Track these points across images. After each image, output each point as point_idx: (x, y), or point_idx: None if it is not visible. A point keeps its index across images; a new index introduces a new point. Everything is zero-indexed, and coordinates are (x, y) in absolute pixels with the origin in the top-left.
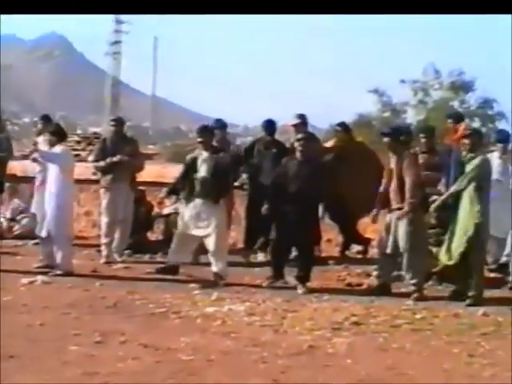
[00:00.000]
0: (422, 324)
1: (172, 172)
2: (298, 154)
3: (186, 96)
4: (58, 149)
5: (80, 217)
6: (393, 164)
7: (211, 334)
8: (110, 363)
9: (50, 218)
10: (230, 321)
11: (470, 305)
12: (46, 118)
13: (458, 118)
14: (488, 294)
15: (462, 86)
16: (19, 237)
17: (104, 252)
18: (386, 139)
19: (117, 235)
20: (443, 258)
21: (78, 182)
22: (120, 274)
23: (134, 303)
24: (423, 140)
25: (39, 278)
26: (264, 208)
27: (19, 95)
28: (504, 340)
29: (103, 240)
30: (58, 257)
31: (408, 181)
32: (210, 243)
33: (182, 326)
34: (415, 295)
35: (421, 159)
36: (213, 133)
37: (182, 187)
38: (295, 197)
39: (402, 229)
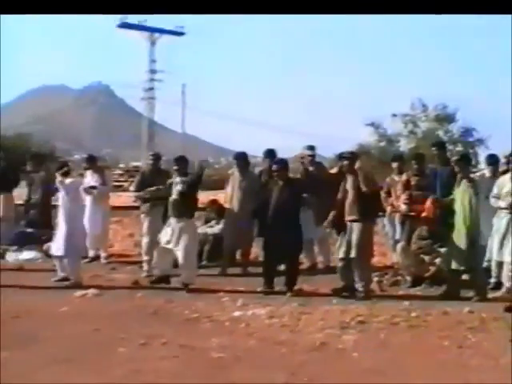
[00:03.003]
0: (417, 321)
1: (201, 198)
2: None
3: (212, 132)
4: (67, 181)
5: (124, 238)
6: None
7: (238, 334)
8: (152, 362)
9: (61, 239)
10: (254, 323)
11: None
12: (90, 157)
13: (441, 145)
14: (472, 294)
15: (445, 118)
16: None
17: (145, 267)
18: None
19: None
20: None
21: (122, 208)
22: (158, 285)
23: (172, 310)
24: (415, 166)
25: (90, 291)
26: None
27: (69, 135)
28: (488, 333)
29: (144, 257)
30: (69, 271)
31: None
32: (179, 256)
33: (213, 328)
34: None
35: (413, 181)
36: (186, 161)
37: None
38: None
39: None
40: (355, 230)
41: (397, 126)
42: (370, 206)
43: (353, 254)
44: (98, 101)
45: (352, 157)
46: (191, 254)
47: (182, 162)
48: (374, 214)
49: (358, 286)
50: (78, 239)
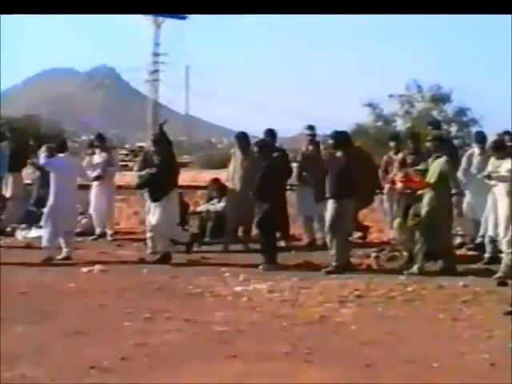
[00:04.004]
0: (413, 295)
1: (204, 177)
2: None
3: (214, 114)
4: (54, 158)
5: (130, 216)
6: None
7: (240, 308)
8: (157, 335)
9: (46, 213)
10: (255, 297)
11: (445, 272)
12: (99, 136)
13: (436, 124)
14: (467, 268)
15: (440, 99)
16: (79, 234)
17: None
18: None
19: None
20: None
21: (127, 188)
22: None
23: (176, 285)
24: (410, 144)
25: (96, 267)
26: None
27: (77, 118)
28: (481, 306)
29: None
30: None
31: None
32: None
33: (216, 303)
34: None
35: (409, 159)
36: (166, 141)
37: None
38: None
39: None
40: (328, 206)
41: (393, 107)
42: (345, 186)
43: (325, 229)
44: (104, 83)
45: (336, 137)
46: (161, 226)
47: (158, 142)
48: (352, 193)
49: (332, 259)
50: (64, 215)
